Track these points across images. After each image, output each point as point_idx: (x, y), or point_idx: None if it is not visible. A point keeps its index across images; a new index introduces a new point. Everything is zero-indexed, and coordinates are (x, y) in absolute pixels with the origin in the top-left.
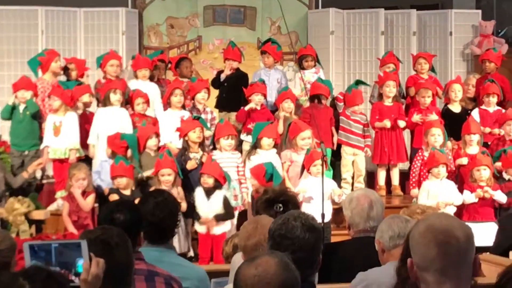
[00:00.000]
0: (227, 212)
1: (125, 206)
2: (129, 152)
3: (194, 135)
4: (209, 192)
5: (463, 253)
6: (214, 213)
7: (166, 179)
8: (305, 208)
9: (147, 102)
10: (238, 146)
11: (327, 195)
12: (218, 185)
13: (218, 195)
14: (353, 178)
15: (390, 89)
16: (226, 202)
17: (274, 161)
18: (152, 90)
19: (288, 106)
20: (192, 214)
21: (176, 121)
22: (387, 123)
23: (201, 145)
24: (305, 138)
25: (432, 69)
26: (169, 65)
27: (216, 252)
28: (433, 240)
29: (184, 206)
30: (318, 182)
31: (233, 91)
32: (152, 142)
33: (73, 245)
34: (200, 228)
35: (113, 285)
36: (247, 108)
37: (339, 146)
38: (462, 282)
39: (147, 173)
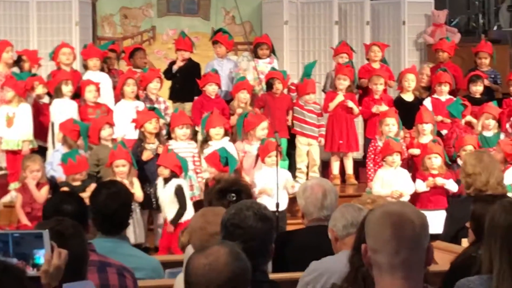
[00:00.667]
0: (180, 203)
1: (71, 197)
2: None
3: (151, 126)
4: (166, 181)
5: (417, 238)
6: (168, 201)
7: (121, 170)
8: (261, 198)
9: (98, 90)
10: (194, 136)
11: (282, 185)
12: (174, 175)
13: (172, 183)
14: (308, 167)
15: (341, 82)
16: (178, 190)
17: (228, 148)
18: (104, 81)
19: (244, 96)
20: (149, 204)
21: (130, 112)
22: (340, 97)
23: (157, 135)
24: (265, 128)
25: (383, 60)
26: (122, 55)
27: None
28: (388, 222)
29: (140, 196)
30: (274, 173)
31: (186, 81)
32: (105, 133)
33: (31, 236)
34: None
35: (68, 276)
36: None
37: (294, 136)
38: (413, 268)
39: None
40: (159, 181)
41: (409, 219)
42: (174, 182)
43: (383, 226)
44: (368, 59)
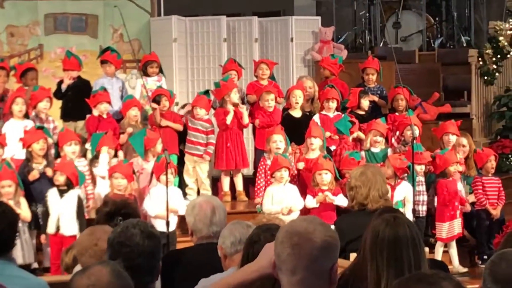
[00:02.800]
0: (81, 217)
1: None
2: None
3: (38, 146)
4: (62, 191)
5: (314, 258)
6: (67, 213)
7: (7, 191)
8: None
9: None
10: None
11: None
12: (70, 185)
13: (72, 194)
14: (197, 184)
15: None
16: (80, 201)
17: None
18: None
19: (135, 113)
20: (37, 224)
21: (19, 131)
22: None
23: (45, 156)
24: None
25: (271, 76)
26: (13, 72)
27: None
28: (288, 242)
29: (27, 216)
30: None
31: (77, 100)
32: None
33: None
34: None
35: None
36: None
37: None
38: (312, 287)
39: None
40: (52, 192)
41: (309, 239)
42: (73, 193)
43: (284, 245)
44: (256, 76)
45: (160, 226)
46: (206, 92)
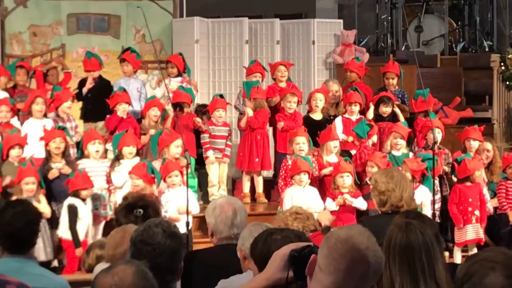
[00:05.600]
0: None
1: None
2: None
3: (54, 145)
4: (83, 200)
5: (364, 278)
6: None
7: (30, 187)
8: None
9: (11, 110)
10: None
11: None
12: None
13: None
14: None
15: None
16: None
17: None
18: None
19: (155, 113)
20: (56, 223)
21: (38, 131)
22: (249, 111)
23: (63, 154)
24: (179, 146)
25: (289, 78)
26: (32, 74)
27: None
28: (347, 254)
29: (48, 212)
30: (178, 192)
31: (98, 101)
32: (14, 153)
33: None
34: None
35: None
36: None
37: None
38: None
39: (6, 181)
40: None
41: (366, 260)
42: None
43: (341, 255)
44: (274, 79)
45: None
46: (221, 95)
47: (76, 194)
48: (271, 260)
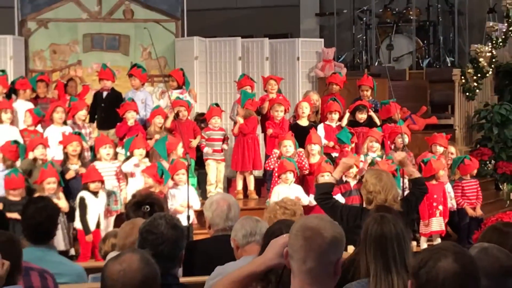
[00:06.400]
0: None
1: None
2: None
3: (71, 148)
4: (95, 193)
5: (324, 252)
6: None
7: (51, 186)
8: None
9: (35, 118)
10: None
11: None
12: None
13: (102, 194)
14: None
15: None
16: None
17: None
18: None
19: (159, 121)
20: (73, 217)
21: (58, 136)
22: (240, 120)
23: (80, 157)
24: (182, 147)
25: (279, 90)
26: (54, 85)
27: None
28: (302, 235)
29: (66, 207)
30: (183, 189)
31: (109, 110)
32: (38, 152)
33: None
34: (79, 226)
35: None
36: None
37: (202, 155)
38: (319, 277)
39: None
40: (86, 195)
41: (320, 234)
42: (103, 193)
43: (297, 237)
44: (265, 91)
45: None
46: (216, 104)
47: (86, 187)
48: (269, 246)
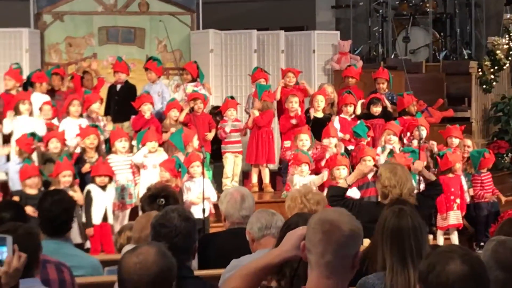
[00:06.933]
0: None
1: (9, 205)
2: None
3: (88, 141)
4: (104, 187)
5: (342, 245)
6: (110, 204)
7: (67, 179)
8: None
9: (52, 110)
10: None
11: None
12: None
13: (111, 187)
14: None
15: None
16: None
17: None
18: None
19: (174, 114)
20: None
21: (74, 129)
22: (255, 112)
23: (97, 150)
24: (197, 139)
25: (297, 83)
26: (69, 78)
27: (105, 243)
28: (320, 228)
29: (81, 199)
30: (198, 182)
31: (123, 103)
32: (52, 146)
33: None
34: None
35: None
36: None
37: (217, 149)
38: (337, 270)
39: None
40: (94, 188)
41: (339, 228)
42: (112, 186)
43: (316, 230)
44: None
45: (196, 213)
46: (232, 97)
47: (94, 180)
48: (285, 238)
